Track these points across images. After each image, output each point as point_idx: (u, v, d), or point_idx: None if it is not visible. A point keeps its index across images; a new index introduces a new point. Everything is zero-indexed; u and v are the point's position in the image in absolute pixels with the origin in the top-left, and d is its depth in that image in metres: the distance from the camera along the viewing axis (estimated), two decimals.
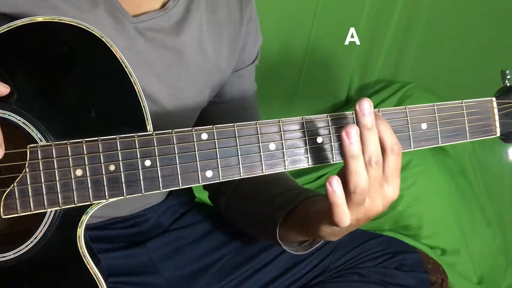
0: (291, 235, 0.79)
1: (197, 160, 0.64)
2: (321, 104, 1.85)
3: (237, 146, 0.65)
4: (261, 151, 0.65)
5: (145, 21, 0.79)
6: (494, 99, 0.76)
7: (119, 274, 0.86)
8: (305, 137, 0.67)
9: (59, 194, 0.61)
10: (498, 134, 0.77)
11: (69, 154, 0.61)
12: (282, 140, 0.66)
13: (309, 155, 0.67)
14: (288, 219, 0.78)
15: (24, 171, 0.60)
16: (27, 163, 0.60)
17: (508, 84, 0.78)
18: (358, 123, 0.64)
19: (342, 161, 0.69)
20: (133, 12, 0.78)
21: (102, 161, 0.62)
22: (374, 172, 0.65)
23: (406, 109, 0.70)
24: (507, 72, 0.79)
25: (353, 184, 0.64)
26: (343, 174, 0.67)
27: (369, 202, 0.66)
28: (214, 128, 0.64)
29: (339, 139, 0.68)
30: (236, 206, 0.94)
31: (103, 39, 0.63)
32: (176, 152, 0.63)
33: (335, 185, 0.63)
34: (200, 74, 0.87)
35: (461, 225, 1.58)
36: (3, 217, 0.61)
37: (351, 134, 0.63)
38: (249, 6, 0.92)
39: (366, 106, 0.64)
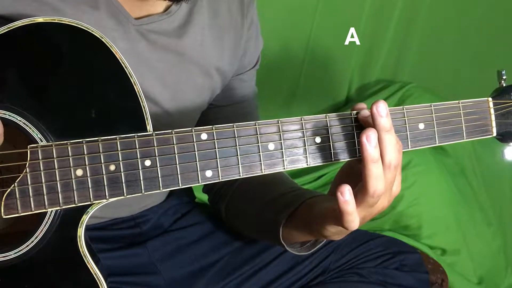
0: (294, 236, 0.79)
1: (197, 160, 0.64)
2: (321, 104, 1.85)
3: (236, 146, 0.65)
4: (260, 151, 0.66)
5: (148, 23, 0.79)
6: (490, 99, 0.76)
7: (119, 274, 0.87)
8: (304, 137, 0.67)
9: (60, 194, 0.61)
10: (495, 134, 0.77)
11: (70, 154, 0.61)
12: (281, 140, 0.66)
13: (308, 155, 0.67)
14: (290, 220, 0.78)
15: (24, 171, 0.61)
16: (27, 163, 0.61)
17: (504, 85, 0.79)
18: (376, 126, 0.64)
19: (340, 161, 0.69)
20: (135, 15, 0.78)
21: (102, 161, 0.62)
22: (391, 175, 0.65)
23: (403, 109, 0.70)
24: (503, 72, 0.79)
25: (372, 188, 0.64)
26: (351, 176, 0.67)
27: (379, 202, 0.66)
28: (213, 128, 0.64)
29: (338, 139, 0.68)
30: (236, 210, 0.94)
31: (103, 40, 0.63)
32: (176, 152, 0.64)
33: (347, 195, 0.63)
34: (201, 77, 0.87)
35: (461, 225, 1.58)
36: (4, 217, 0.61)
37: (372, 138, 0.63)
38: (250, 11, 0.92)
39: (383, 107, 0.64)
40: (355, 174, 0.67)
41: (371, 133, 0.63)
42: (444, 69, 1.96)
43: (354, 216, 0.64)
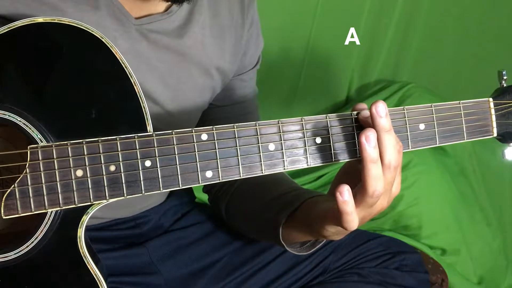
0: (293, 236, 0.79)
1: (197, 161, 0.64)
2: (321, 104, 1.85)
3: (236, 146, 0.65)
4: (261, 152, 0.66)
5: (148, 23, 0.79)
6: (491, 99, 0.76)
7: (119, 274, 0.87)
8: (304, 137, 0.67)
9: (60, 195, 0.61)
10: (495, 135, 0.77)
11: (70, 155, 0.61)
12: (281, 140, 0.66)
13: (308, 155, 0.67)
14: (290, 220, 0.78)
15: (24, 171, 0.60)
16: (27, 164, 0.61)
17: (505, 85, 0.79)
18: (375, 126, 0.64)
19: (340, 161, 0.69)
20: (136, 15, 0.78)
21: (102, 162, 0.62)
22: (390, 175, 0.65)
23: (404, 109, 0.70)
24: (504, 72, 0.79)
25: (372, 188, 0.64)
26: (351, 176, 0.67)
27: (379, 202, 0.66)
28: (214, 129, 0.64)
29: (339, 140, 0.68)
30: (236, 210, 0.94)
31: (103, 40, 0.63)
32: (176, 153, 0.63)
33: (346, 195, 0.63)
34: (201, 77, 0.87)
35: (461, 225, 1.58)
36: (4, 217, 0.61)
37: (371, 138, 0.63)
38: (250, 10, 0.92)
39: (382, 108, 0.64)
40: (355, 174, 0.67)
41: (370, 133, 0.63)
42: (444, 69, 1.96)
43: (353, 216, 0.64)
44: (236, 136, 0.65)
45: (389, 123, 0.64)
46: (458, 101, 0.74)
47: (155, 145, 0.63)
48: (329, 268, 0.95)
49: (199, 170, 0.64)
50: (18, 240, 0.63)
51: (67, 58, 0.64)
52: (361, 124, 0.68)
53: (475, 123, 0.75)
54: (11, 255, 0.62)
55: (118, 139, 0.62)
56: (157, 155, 0.63)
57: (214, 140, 0.64)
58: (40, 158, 0.61)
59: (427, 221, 1.51)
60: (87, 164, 0.62)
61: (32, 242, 0.62)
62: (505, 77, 0.79)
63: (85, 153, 0.61)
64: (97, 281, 0.65)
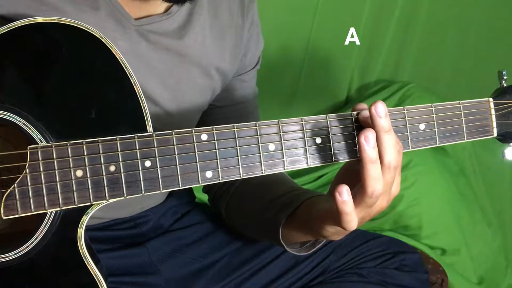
0: (293, 236, 0.79)
1: (197, 161, 0.64)
2: (321, 104, 1.85)
3: (236, 146, 0.65)
4: (261, 152, 0.66)
5: (148, 24, 0.79)
6: (491, 99, 0.76)
7: (119, 274, 0.87)
8: (304, 137, 0.67)
9: (60, 195, 0.61)
10: (495, 135, 0.77)
11: (70, 155, 0.61)
12: (281, 140, 0.66)
13: (308, 155, 0.67)
14: (290, 220, 0.78)
15: (24, 172, 0.60)
16: (27, 164, 0.60)
17: (505, 85, 0.79)
18: (375, 127, 0.64)
19: (340, 161, 0.69)
20: (136, 15, 0.78)
21: (102, 162, 0.62)
22: (390, 175, 0.65)
23: (404, 109, 0.70)
24: (504, 72, 0.79)
25: (371, 188, 0.64)
26: (351, 176, 0.67)
27: (378, 202, 0.66)
28: (214, 129, 0.64)
29: (339, 140, 0.68)
30: (236, 210, 0.94)
31: (103, 40, 0.63)
32: (176, 153, 0.63)
33: (345, 195, 0.63)
34: (201, 77, 0.87)
35: (461, 225, 1.59)
36: (4, 218, 0.61)
37: (370, 138, 0.63)
38: (251, 11, 0.92)
39: (381, 108, 0.64)
40: (354, 174, 0.67)
41: (369, 133, 0.63)
42: (444, 69, 1.96)
43: (352, 216, 0.64)
44: (236, 136, 0.65)
45: (388, 123, 0.64)
46: (458, 101, 0.74)
47: (155, 145, 0.63)
48: (329, 268, 0.95)
49: (199, 170, 0.64)
50: (18, 241, 0.63)
51: (67, 58, 0.64)
52: (361, 124, 0.68)
53: (475, 123, 0.75)
54: (11, 255, 0.62)
55: (118, 139, 0.62)
56: (157, 155, 0.63)
57: (214, 140, 0.64)
58: (40, 159, 0.61)
59: (427, 221, 1.51)
60: (87, 164, 0.62)
61: (32, 243, 0.62)
62: (505, 77, 0.79)
63: (85, 153, 0.61)
64: (97, 281, 0.65)
